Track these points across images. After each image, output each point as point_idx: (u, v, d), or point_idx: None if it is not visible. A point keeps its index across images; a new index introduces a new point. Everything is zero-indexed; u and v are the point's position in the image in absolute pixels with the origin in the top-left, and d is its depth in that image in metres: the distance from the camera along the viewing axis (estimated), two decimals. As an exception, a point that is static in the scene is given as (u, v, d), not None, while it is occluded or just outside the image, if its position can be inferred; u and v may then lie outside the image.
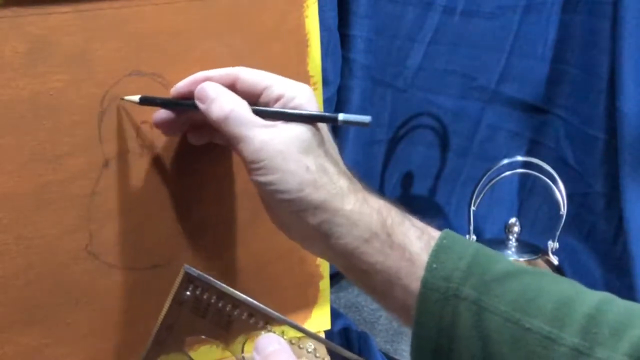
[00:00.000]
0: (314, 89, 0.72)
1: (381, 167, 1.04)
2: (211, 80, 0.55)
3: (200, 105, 0.53)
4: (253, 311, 0.44)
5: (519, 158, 0.91)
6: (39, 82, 0.54)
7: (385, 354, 0.85)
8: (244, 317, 0.44)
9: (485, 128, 1.06)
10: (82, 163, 0.57)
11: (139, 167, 0.60)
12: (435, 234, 0.51)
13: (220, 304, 0.44)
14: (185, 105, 0.56)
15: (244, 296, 0.44)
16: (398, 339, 0.87)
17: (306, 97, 0.54)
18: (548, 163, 0.89)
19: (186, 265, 0.45)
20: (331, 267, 0.74)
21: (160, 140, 0.61)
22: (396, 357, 0.85)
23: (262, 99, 0.54)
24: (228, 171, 0.65)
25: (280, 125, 0.51)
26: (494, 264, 0.49)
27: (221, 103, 0.52)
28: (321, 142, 0.53)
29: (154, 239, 0.62)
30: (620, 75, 0.92)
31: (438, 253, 0.49)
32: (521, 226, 0.90)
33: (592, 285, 1.04)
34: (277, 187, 0.50)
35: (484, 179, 0.89)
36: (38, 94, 0.54)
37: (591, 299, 0.47)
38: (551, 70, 1.04)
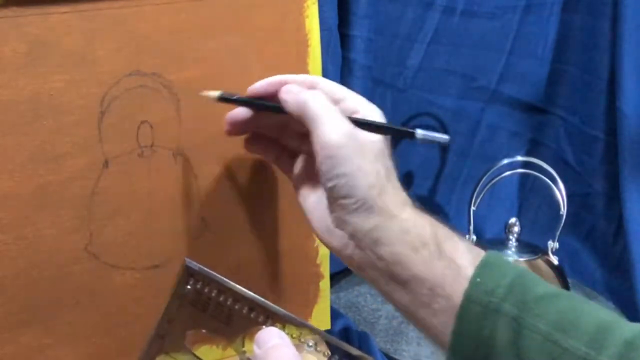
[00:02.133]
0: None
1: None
2: (290, 81, 0.57)
3: (285, 96, 0.55)
4: (254, 305, 0.44)
5: (519, 158, 0.91)
6: (39, 82, 0.54)
7: (385, 354, 0.85)
8: (244, 312, 0.44)
9: (485, 128, 1.06)
10: (82, 163, 0.57)
11: (139, 167, 0.60)
12: (481, 252, 0.52)
13: (221, 298, 0.45)
14: (267, 106, 0.57)
15: (245, 290, 0.44)
16: (398, 339, 0.87)
17: (378, 115, 0.56)
18: (548, 163, 0.89)
19: (187, 259, 0.45)
20: (331, 267, 0.74)
21: (160, 140, 0.61)
22: (396, 357, 0.85)
23: (339, 108, 0.55)
24: (229, 171, 0.65)
25: (359, 129, 0.53)
26: (536, 285, 0.49)
27: (307, 92, 0.54)
28: (389, 156, 0.54)
29: (154, 239, 0.62)
30: (620, 75, 0.92)
31: (483, 268, 0.50)
32: (521, 226, 0.90)
33: (592, 285, 1.04)
34: (349, 181, 0.51)
35: (484, 179, 0.89)
36: (38, 94, 0.54)
37: (631, 327, 0.47)
38: (551, 70, 1.04)
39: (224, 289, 0.44)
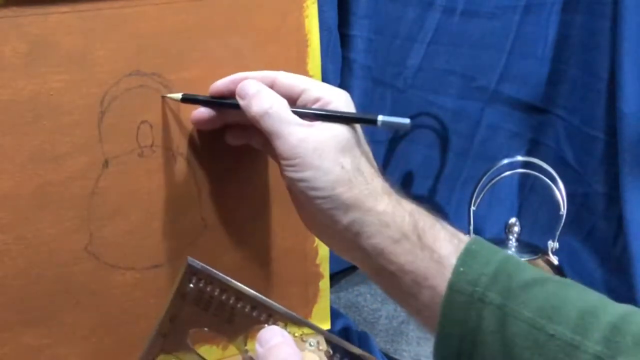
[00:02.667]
0: (314, 89, 0.72)
1: (381, 167, 1.04)
2: (249, 77, 0.56)
3: (241, 102, 0.55)
4: (256, 304, 0.44)
5: (519, 158, 0.91)
6: (39, 82, 0.54)
7: (385, 354, 0.85)
8: (247, 310, 0.44)
9: (485, 128, 1.06)
10: (82, 163, 0.57)
11: (139, 167, 0.60)
12: (464, 238, 0.51)
13: (223, 297, 0.44)
14: (226, 104, 0.58)
15: (247, 289, 0.44)
16: (398, 339, 0.87)
17: (343, 100, 0.55)
18: (548, 163, 0.89)
19: (189, 258, 0.45)
20: (331, 267, 0.74)
21: (160, 140, 0.61)
22: (396, 357, 0.85)
23: (300, 101, 0.55)
24: (229, 171, 0.65)
25: (318, 125, 0.52)
26: (521, 272, 0.49)
27: (261, 99, 0.54)
28: (357, 144, 0.54)
29: (154, 239, 0.62)
30: (620, 75, 0.92)
31: (466, 257, 0.49)
32: (521, 226, 0.90)
33: (592, 285, 1.04)
34: (310, 183, 0.51)
35: (484, 179, 0.89)
36: (38, 94, 0.54)
37: (616, 309, 0.47)
38: (551, 70, 1.04)
39: (227, 288, 0.44)
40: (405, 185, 1.06)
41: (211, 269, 0.45)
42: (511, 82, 1.04)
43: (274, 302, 0.44)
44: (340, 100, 0.55)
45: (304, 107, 0.54)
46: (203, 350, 0.56)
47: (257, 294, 0.44)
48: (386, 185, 0.54)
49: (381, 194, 0.52)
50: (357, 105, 0.95)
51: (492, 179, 0.89)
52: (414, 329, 0.88)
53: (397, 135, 1.04)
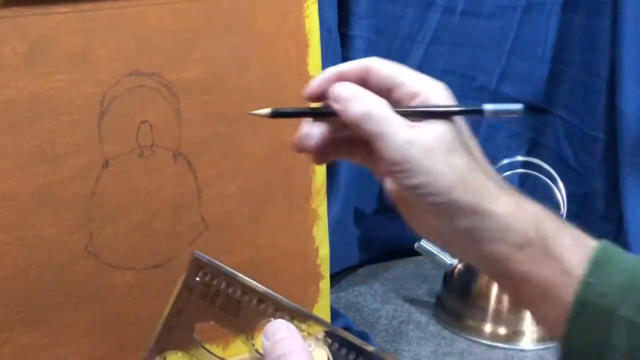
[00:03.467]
0: (314, 89, 0.72)
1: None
2: (343, 74, 0.50)
3: (336, 106, 0.49)
4: (263, 297, 0.44)
5: (519, 158, 0.91)
6: (39, 82, 0.54)
7: (386, 354, 0.85)
8: (253, 304, 0.44)
9: (485, 128, 1.06)
10: (82, 163, 0.57)
11: (139, 167, 0.60)
12: (592, 244, 0.47)
13: (230, 290, 0.44)
14: (320, 113, 0.52)
15: (254, 282, 0.44)
16: (398, 339, 0.87)
17: (443, 94, 0.50)
18: (548, 163, 0.89)
19: (196, 252, 0.45)
20: (331, 267, 0.74)
21: (160, 140, 0.61)
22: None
23: (396, 95, 0.49)
24: (229, 171, 0.65)
25: (422, 125, 0.47)
26: None
27: (359, 101, 0.48)
28: (465, 139, 0.49)
29: (154, 239, 0.62)
30: (620, 75, 0.92)
31: (595, 266, 0.45)
32: (521, 226, 0.90)
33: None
34: (424, 190, 0.46)
35: (484, 179, 0.89)
36: (38, 94, 0.54)
37: None
38: (551, 70, 1.04)
39: (233, 281, 0.44)
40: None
41: (218, 262, 0.45)
42: (511, 82, 1.04)
43: (280, 296, 0.44)
44: (440, 94, 0.50)
45: (399, 102, 0.49)
46: (203, 350, 0.56)
47: (264, 287, 0.44)
48: (502, 183, 0.49)
49: (499, 195, 0.47)
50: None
51: (492, 179, 0.89)
52: (413, 329, 0.88)
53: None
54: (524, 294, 0.47)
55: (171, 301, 0.45)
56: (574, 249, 0.46)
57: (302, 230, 0.61)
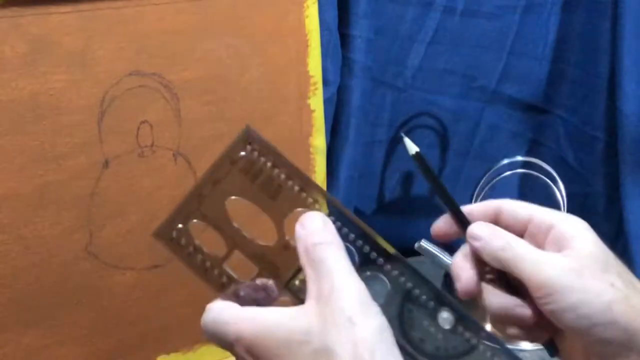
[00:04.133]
0: (314, 89, 0.72)
1: (381, 167, 1.04)
2: (472, 210, 0.51)
3: (476, 244, 0.48)
4: (306, 186, 0.42)
5: (519, 158, 0.91)
6: (39, 82, 0.54)
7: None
8: (295, 190, 0.42)
9: (485, 128, 1.06)
10: (82, 163, 0.57)
11: (139, 167, 0.60)
12: None
13: (274, 172, 0.42)
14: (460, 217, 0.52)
15: (300, 169, 0.42)
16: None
17: (580, 225, 0.48)
18: (548, 163, 0.89)
19: (248, 125, 0.43)
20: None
21: (160, 140, 0.61)
22: (396, 357, 0.85)
23: (530, 230, 0.48)
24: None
25: (566, 251, 0.45)
26: None
27: (497, 235, 0.48)
28: (615, 258, 0.46)
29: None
30: (620, 75, 0.92)
31: None
32: (521, 226, 0.90)
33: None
34: (578, 311, 0.42)
35: (484, 179, 0.89)
36: (38, 94, 0.54)
37: None
38: (551, 70, 1.04)
39: (279, 163, 0.42)
40: (405, 185, 1.06)
41: (268, 140, 0.43)
42: (511, 82, 1.04)
43: (323, 189, 0.43)
44: (577, 225, 0.48)
45: (534, 237, 0.48)
46: (202, 350, 0.56)
47: (308, 176, 0.42)
48: None
49: None
50: (357, 105, 0.95)
51: (492, 179, 0.89)
52: (413, 329, 0.88)
53: (397, 135, 1.04)
54: None
55: (209, 168, 0.43)
56: None
57: (302, 230, 0.61)
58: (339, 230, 0.42)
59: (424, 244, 0.91)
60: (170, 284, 0.60)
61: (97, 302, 0.60)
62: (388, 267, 0.43)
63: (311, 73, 0.70)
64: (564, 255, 0.45)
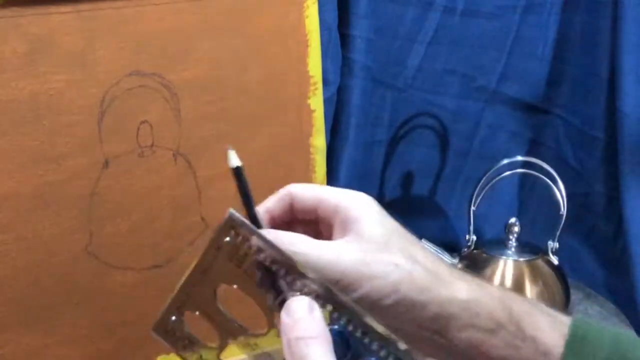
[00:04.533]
0: (314, 89, 0.72)
1: (381, 167, 1.04)
2: (270, 209, 0.50)
3: (261, 256, 0.46)
4: (291, 269, 0.41)
5: (519, 158, 0.91)
6: (39, 82, 0.54)
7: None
8: (280, 274, 0.41)
9: (485, 128, 1.06)
10: (82, 163, 0.57)
11: (139, 167, 0.60)
12: (566, 320, 0.46)
13: (259, 257, 0.41)
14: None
15: (285, 251, 0.41)
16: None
17: (364, 203, 0.48)
18: (548, 163, 0.89)
19: (231, 210, 0.43)
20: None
21: (160, 140, 0.61)
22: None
23: (320, 213, 0.48)
24: (227, 170, 0.65)
25: (349, 236, 0.45)
26: (637, 351, 0.44)
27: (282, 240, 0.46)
28: (402, 238, 0.47)
29: (154, 239, 0.62)
30: (620, 75, 0.92)
31: (574, 344, 0.44)
32: (521, 226, 0.90)
33: (592, 285, 1.03)
34: (371, 298, 0.43)
35: (484, 179, 0.89)
36: (38, 94, 0.54)
37: None
38: (551, 70, 1.04)
39: (264, 248, 0.41)
40: (405, 185, 1.06)
41: (251, 225, 0.42)
42: (511, 82, 1.04)
43: (310, 272, 0.41)
44: (360, 203, 0.47)
45: (326, 219, 0.47)
46: (202, 351, 0.56)
47: (294, 259, 0.41)
48: (455, 270, 0.47)
49: (454, 280, 0.45)
50: (357, 105, 0.95)
51: (492, 179, 0.89)
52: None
53: (397, 135, 1.04)
54: None
55: (197, 259, 0.42)
56: (550, 329, 0.45)
57: (302, 230, 0.61)
58: (330, 313, 0.40)
59: (424, 243, 0.91)
60: (170, 284, 0.59)
61: (97, 302, 0.60)
62: (383, 352, 0.40)
63: (311, 73, 0.70)
64: (346, 242, 0.45)
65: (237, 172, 0.50)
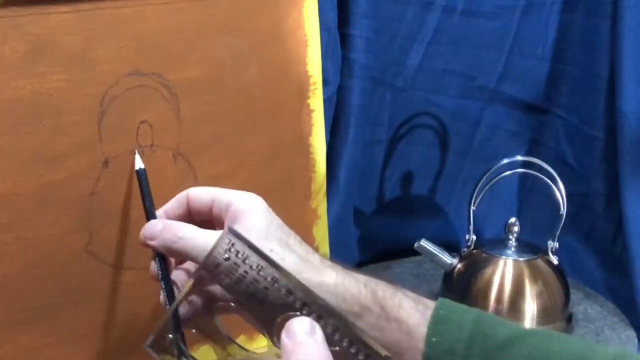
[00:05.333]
0: (314, 89, 0.72)
1: (381, 167, 1.04)
2: (167, 210, 0.55)
3: (152, 243, 0.52)
4: (292, 289, 0.41)
5: (519, 158, 0.91)
6: (39, 82, 0.54)
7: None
8: (282, 294, 0.40)
9: (485, 128, 1.06)
10: (82, 163, 0.57)
11: (139, 167, 0.60)
12: (430, 304, 0.48)
13: (259, 274, 0.41)
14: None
15: (286, 271, 0.41)
16: None
17: (252, 201, 0.52)
18: (548, 163, 0.89)
19: (230, 226, 0.43)
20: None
21: (160, 140, 0.61)
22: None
23: (214, 211, 0.53)
24: (229, 171, 0.65)
25: (239, 224, 0.49)
26: (497, 330, 0.46)
27: (166, 231, 0.51)
28: (279, 229, 0.51)
29: (154, 239, 0.62)
30: (620, 75, 0.92)
31: (437, 325, 0.46)
32: (521, 226, 0.90)
33: (592, 285, 1.03)
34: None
35: (484, 179, 0.89)
36: (38, 94, 0.54)
37: (605, 355, 0.45)
38: (551, 70, 1.04)
39: (264, 266, 0.41)
40: (405, 185, 1.06)
41: (251, 242, 0.42)
42: (511, 82, 1.04)
43: (312, 290, 0.41)
44: (250, 203, 0.52)
45: (219, 216, 0.52)
46: (202, 350, 0.56)
47: (296, 278, 0.41)
48: (327, 260, 0.50)
49: (324, 268, 0.48)
50: (357, 105, 0.95)
51: (492, 179, 0.89)
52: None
53: (397, 135, 1.04)
54: None
55: (194, 274, 0.42)
56: (413, 310, 0.47)
57: (302, 230, 0.61)
58: (332, 333, 0.40)
59: (424, 243, 0.91)
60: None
61: (97, 302, 0.60)
62: None
63: (311, 73, 0.70)
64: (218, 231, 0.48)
65: (140, 175, 0.56)
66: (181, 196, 0.55)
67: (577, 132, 1.02)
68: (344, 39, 0.91)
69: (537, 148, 1.07)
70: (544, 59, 1.03)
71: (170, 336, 0.43)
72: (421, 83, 1.01)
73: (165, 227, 0.52)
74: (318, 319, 0.39)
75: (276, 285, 0.41)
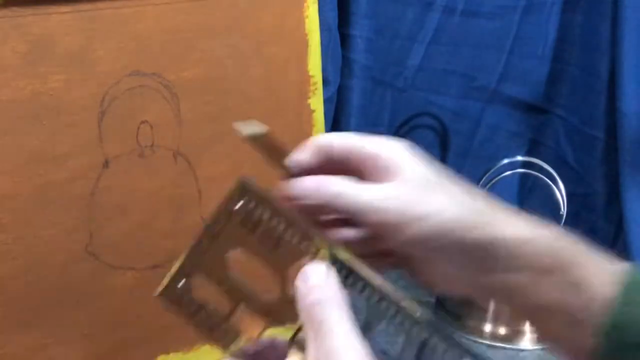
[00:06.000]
0: (314, 89, 0.72)
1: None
2: (300, 161, 0.48)
3: (308, 202, 0.45)
4: (306, 235, 0.40)
5: (519, 158, 0.91)
6: (39, 82, 0.54)
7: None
8: (295, 240, 0.40)
9: (485, 128, 1.06)
10: (82, 163, 0.57)
11: (139, 167, 0.60)
12: (620, 266, 0.42)
13: (273, 222, 0.41)
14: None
15: (300, 218, 0.41)
16: (398, 339, 0.87)
17: (404, 149, 0.47)
18: (548, 163, 0.89)
19: (242, 176, 0.41)
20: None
21: (160, 140, 0.61)
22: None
23: (353, 162, 0.47)
24: (229, 171, 0.65)
25: (394, 181, 0.44)
26: None
27: (326, 185, 0.45)
28: (446, 177, 0.47)
29: (154, 239, 0.62)
30: (620, 75, 0.92)
31: (628, 291, 0.41)
32: (521, 226, 0.90)
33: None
34: (417, 239, 0.42)
35: (484, 179, 0.89)
36: (38, 94, 0.54)
37: None
38: (551, 70, 1.04)
39: (278, 213, 0.41)
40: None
41: (265, 190, 0.41)
42: (511, 82, 1.04)
43: (325, 237, 0.41)
44: (398, 151, 0.47)
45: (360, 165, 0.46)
46: (202, 350, 0.56)
47: (309, 226, 0.41)
48: (506, 209, 0.45)
49: (503, 219, 0.43)
50: (357, 105, 0.95)
51: (492, 179, 0.89)
52: (414, 329, 0.88)
53: (397, 135, 1.04)
54: (550, 326, 0.42)
55: (207, 223, 0.42)
56: (604, 273, 0.42)
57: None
58: (344, 279, 0.39)
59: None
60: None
61: (97, 302, 0.60)
62: (399, 318, 0.40)
63: (311, 73, 0.70)
64: (391, 185, 0.44)
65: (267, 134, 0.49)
66: (312, 145, 0.47)
67: (577, 132, 1.02)
68: (344, 39, 0.91)
69: (537, 148, 1.07)
70: (544, 59, 1.03)
71: (181, 284, 0.42)
72: (421, 83, 1.01)
73: (320, 185, 0.45)
74: (331, 267, 0.39)
75: (289, 232, 0.41)
